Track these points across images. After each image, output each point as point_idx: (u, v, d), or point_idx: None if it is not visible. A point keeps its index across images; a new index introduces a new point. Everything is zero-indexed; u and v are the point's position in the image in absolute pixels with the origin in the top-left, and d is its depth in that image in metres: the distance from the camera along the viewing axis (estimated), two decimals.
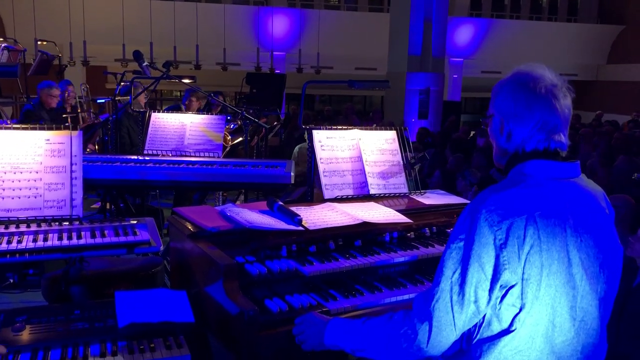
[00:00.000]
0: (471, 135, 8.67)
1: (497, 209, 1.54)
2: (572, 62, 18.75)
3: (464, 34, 17.24)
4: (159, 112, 4.04)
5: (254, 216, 2.37)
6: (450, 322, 1.56)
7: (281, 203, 2.48)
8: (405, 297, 2.11)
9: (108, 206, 4.59)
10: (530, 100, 1.64)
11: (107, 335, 1.89)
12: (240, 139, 5.91)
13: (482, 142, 8.09)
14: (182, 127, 3.88)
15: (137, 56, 3.90)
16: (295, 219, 2.33)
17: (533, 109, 1.63)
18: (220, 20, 13.96)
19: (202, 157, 3.75)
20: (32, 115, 5.95)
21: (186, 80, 4.29)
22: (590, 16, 19.86)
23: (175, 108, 6.82)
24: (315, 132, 2.80)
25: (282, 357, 1.89)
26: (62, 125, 2.45)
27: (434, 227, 2.58)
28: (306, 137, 8.99)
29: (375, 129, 2.95)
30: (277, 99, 7.78)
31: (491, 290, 1.54)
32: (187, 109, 6.47)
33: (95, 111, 7.69)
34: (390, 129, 2.97)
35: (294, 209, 2.45)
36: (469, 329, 1.63)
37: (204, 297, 2.11)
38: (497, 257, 1.53)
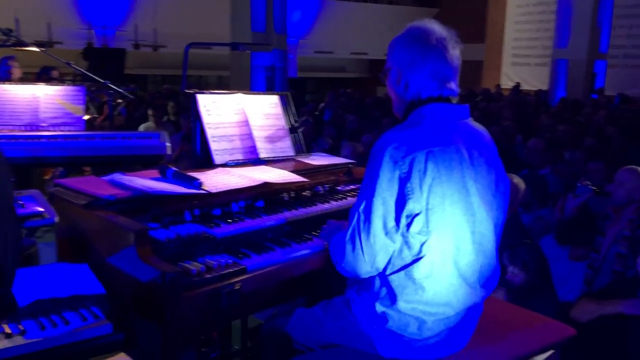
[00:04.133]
0: (319, 108, 9.01)
1: (400, 146, 1.71)
2: None
3: (299, 15, 17.58)
4: None
5: (149, 183, 2.26)
6: (358, 247, 1.75)
7: (175, 169, 2.40)
8: (309, 250, 2.15)
9: None
10: (424, 51, 1.80)
11: (5, 317, 1.70)
12: (88, 116, 5.51)
13: (329, 115, 8.42)
14: (34, 100, 3.51)
15: None
16: (195, 183, 2.27)
17: (426, 59, 1.80)
18: None
19: (64, 131, 3.45)
20: None
21: (33, 48, 3.88)
22: None
23: None
24: (199, 97, 2.72)
25: (205, 318, 1.87)
26: None
27: (326, 186, 2.68)
28: (150, 116, 8.53)
29: (258, 94, 2.96)
30: (120, 75, 7.34)
31: (398, 219, 1.71)
32: (7, 79, 5.78)
33: None
34: (273, 94, 2.99)
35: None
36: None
37: (109, 269, 1.98)
38: (400, 189, 1.70)
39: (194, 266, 1.89)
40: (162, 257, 1.91)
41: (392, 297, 1.77)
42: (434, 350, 1.82)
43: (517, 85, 15.52)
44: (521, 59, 18.62)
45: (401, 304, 1.76)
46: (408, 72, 1.82)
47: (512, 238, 3.66)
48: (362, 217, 1.74)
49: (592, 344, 2.83)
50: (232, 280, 1.89)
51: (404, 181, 1.69)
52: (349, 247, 1.77)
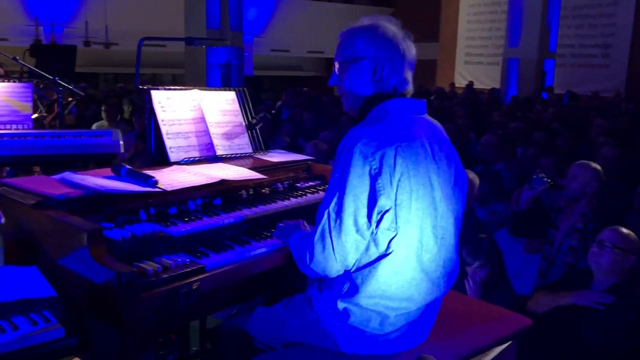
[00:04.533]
0: (277, 107, 8.99)
1: (370, 142, 1.69)
2: None
3: (253, 13, 17.46)
4: None
5: (102, 181, 2.19)
6: (329, 247, 1.71)
7: (129, 167, 2.33)
8: (270, 248, 2.10)
9: None
10: (402, 48, 1.82)
11: None
12: (37, 115, 5.33)
13: (287, 114, 8.39)
14: None
15: None
16: (150, 181, 2.20)
17: (404, 56, 1.82)
18: None
19: (11, 129, 3.31)
20: None
21: None
22: None
23: None
24: (154, 93, 2.65)
25: (162, 319, 1.82)
26: None
27: (285, 182, 2.66)
28: (103, 112, 8.35)
29: (214, 90, 2.91)
30: (70, 73, 7.12)
31: (369, 215, 1.69)
32: None
33: None
34: (230, 90, 2.94)
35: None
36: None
37: (61, 271, 1.90)
38: (372, 185, 1.68)
39: (151, 266, 1.83)
40: (117, 257, 1.84)
41: (355, 293, 1.76)
42: (396, 344, 1.82)
43: (471, 84, 15.81)
44: (474, 58, 19.00)
45: (364, 300, 1.75)
46: (388, 66, 1.80)
47: (469, 233, 3.72)
48: (332, 215, 1.70)
49: (548, 334, 2.90)
50: (190, 280, 1.84)
51: (375, 177, 1.67)
52: (318, 247, 1.73)
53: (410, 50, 1.85)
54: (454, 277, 1.93)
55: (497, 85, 14.85)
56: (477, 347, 1.99)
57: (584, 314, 2.93)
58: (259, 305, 2.13)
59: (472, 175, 3.80)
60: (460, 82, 17.92)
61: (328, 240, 1.71)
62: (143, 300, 1.72)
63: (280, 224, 2.12)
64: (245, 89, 2.93)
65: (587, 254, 3.12)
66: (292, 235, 1.91)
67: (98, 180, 2.19)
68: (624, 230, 3.03)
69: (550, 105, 10.51)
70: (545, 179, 3.68)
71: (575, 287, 3.08)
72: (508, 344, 2.09)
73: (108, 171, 2.37)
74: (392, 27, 1.84)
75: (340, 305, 1.77)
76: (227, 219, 2.20)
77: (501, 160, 5.52)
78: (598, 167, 3.77)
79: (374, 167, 1.67)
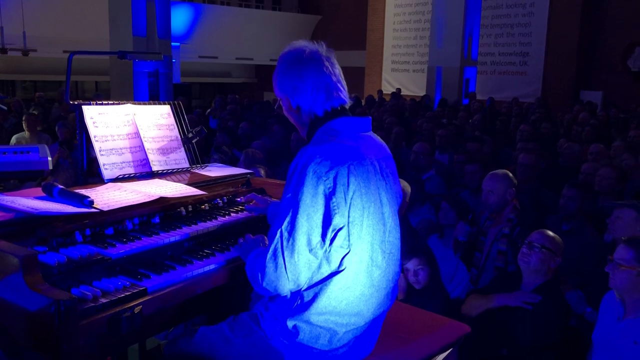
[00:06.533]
0: (206, 114, 8.86)
1: (323, 161, 1.71)
2: (278, 48, 20.07)
3: (179, 18, 17.16)
4: None
5: (34, 203, 2.10)
6: (281, 266, 1.71)
7: (62, 187, 2.24)
8: (212, 266, 2.08)
9: None
10: (299, 71, 1.83)
11: None
12: None
13: (215, 123, 8.31)
14: None
15: None
16: (86, 201, 2.13)
17: (304, 77, 1.83)
18: None
19: None
20: None
21: None
22: (292, 6, 21.63)
23: None
24: (85, 108, 2.56)
25: (104, 345, 1.76)
26: None
27: (225, 198, 2.62)
28: (24, 125, 7.97)
29: (148, 104, 2.84)
30: None
31: (324, 234, 1.70)
32: None
33: None
34: (164, 103, 2.89)
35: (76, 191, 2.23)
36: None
37: None
38: (327, 205, 1.70)
39: (90, 291, 1.77)
40: (53, 283, 1.77)
41: (305, 310, 1.76)
42: (343, 359, 1.84)
43: (398, 91, 16.18)
44: (400, 66, 19.46)
45: (314, 317, 1.76)
46: (295, 97, 1.86)
47: (405, 240, 3.80)
48: (285, 235, 1.70)
49: (482, 336, 3.01)
50: (132, 304, 1.79)
51: (329, 197, 1.69)
52: (270, 266, 1.72)
53: (336, 67, 1.88)
54: (397, 289, 1.97)
55: (423, 92, 15.28)
56: (420, 356, 2.04)
57: (514, 315, 3.07)
58: (202, 325, 2.09)
59: (404, 183, 3.89)
60: (388, 89, 18.30)
61: (280, 259, 1.70)
62: (83, 328, 1.66)
63: (241, 239, 2.09)
64: (179, 102, 2.88)
65: (515, 257, 3.27)
66: (251, 253, 1.89)
67: (29, 201, 2.10)
68: (550, 233, 3.21)
69: (475, 112, 10.90)
70: (467, 227, 3.86)
71: (505, 289, 3.22)
72: (449, 351, 2.16)
73: (38, 191, 2.27)
74: (297, 50, 1.86)
75: (290, 322, 1.78)
76: (167, 238, 2.16)
77: (432, 167, 5.68)
78: (507, 172, 3.96)
79: (328, 186, 1.69)
